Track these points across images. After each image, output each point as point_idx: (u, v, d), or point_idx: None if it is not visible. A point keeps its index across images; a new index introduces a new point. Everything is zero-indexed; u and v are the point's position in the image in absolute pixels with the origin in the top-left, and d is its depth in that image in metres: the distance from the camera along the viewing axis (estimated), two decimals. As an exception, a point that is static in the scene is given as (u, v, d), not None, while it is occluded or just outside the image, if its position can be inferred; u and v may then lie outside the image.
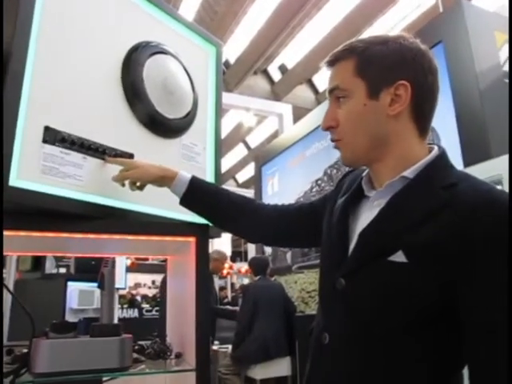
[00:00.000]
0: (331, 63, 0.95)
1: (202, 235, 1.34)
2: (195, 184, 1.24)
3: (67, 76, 1.19)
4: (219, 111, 1.65)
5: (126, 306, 6.78)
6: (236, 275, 11.14)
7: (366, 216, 0.93)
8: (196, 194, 1.24)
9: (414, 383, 0.82)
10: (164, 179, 1.25)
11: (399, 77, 0.88)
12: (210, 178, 1.56)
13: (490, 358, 0.75)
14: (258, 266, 4.56)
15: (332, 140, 0.97)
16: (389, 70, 0.89)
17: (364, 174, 0.99)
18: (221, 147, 1.63)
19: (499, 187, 2.16)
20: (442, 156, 0.91)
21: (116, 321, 3.94)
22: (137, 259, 6.42)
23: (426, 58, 0.90)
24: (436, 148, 0.93)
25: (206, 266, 1.34)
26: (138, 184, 1.27)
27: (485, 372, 0.76)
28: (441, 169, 0.89)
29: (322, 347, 0.91)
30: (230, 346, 4.47)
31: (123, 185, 1.26)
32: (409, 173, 0.88)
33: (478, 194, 0.81)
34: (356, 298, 0.88)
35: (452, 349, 0.82)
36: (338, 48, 0.95)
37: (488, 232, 0.76)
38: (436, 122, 2.89)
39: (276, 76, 10.84)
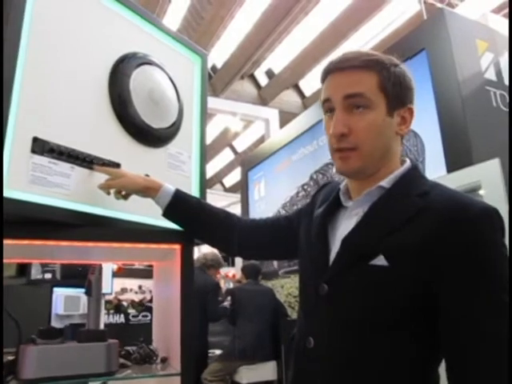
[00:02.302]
0: (351, 68, 0.93)
1: (188, 243, 1.38)
2: (178, 197, 1.28)
3: (55, 87, 1.22)
4: (204, 120, 1.68)
5: (112, 311, 6.72)
6: (223, 280, 11.12)
7: (345, 224, 0.97)
8: (179, 207, 1.28)
9: (399, 379, 0.86)
10: (149, 190, 1.28)
11: (409, 101, 0.96)
12: (195, 185, 1.59)
13: (463, 355, 0.80)
14: (251, 272, 4.59)
15: (339, 149, 0.93)
16: (404, 93, 0.95)
17: (342, 185, 1.04)
18: (206, 156, 1.66)
19: (480, 192, 2.21)
20: (415, 167, 0.98)
21: (102, 326, 3.93)
22: (123, 264, 6.38)
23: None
24: (408, 160, 0.99)
25: (191, 273, 1.37)
26: (123, 193, 1.29)
27: (457, 368, 0.81)
28: (414, 178, 0.95)
29: (307, 351, 0.94)
30: (216, 351, 4.49)
31: (108, 193, 1.28)
32: (385, 182, 0.94)
33: (450, 200, 0.87)
34: (339, 302, 0.92)
35: (433, 345, 0.86)
36: (355, 54, 0.94)
37: (460, 236, 0.81)
38: (420, 129, 2.93)
39: (263, 81, 10.87)
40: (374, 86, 0.91)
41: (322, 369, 0.91)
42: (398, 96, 0.94)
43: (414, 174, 0.96)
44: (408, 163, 0.98)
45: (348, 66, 0.93)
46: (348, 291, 0.91)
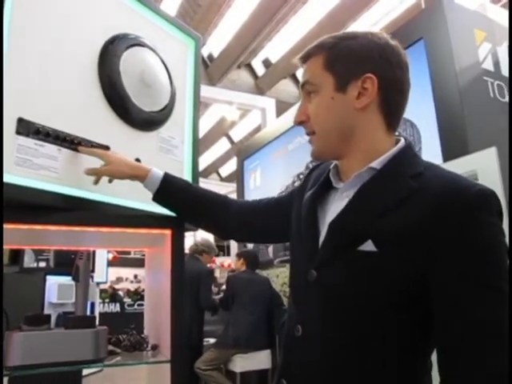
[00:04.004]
0: (304, 59, 0.98)
1: (178, 228, 1.35)
2: (168, 181, 1.25)
3: (42, 67, 1.18)
4: (197, 105, 1.66)
5: (107, 300, 6.74)
6: (219, 269, 11.15)
7: (335, 207, 0.94)
8: (168, 191, 1.25)
9: (388, 367, 0.83)
10: (136, 177, 1.25)
11: (366, 71, 0.90)
12: (187, 170, 1.57)
13: (457, 344, 0.77)
14: (252, 261, 4.60)
15: (307, 134, 0.99)
16: (356, 64, 0.91)
17: (332, 166, 1.01)
18: (198, 140, 1.63)
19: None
20: (408, 147, 0.94)
21: (97, 315, 3.92)
22: (119, 253, 6.37)
23: (394, 53, 0.92)
24: (402, 140, 0.95)
25: (181, 259, 1.35)
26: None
27: (448, 353, 0.79)
28: (407, 159, 0.91)
29: (295, 339, 0.92)
30: (210, 340, 4.49)
31: (96, 181, 1.25)
32: (376, 164, 0.90)
33: (444, 181, 0.83)
34: (328, 289, 0.89)
35: (426, 331, 0.84)
36: (310, 46, 0.97)
37: (455, 220, 0.78)
38: (416, 118, 2.91)
39: (260, 70, 10.83)
40: (318, 69, 0.94)
41: (311, 357, 0.89)
42: (348, 69, 0.91)
43: (407, 154, 0.92)
44: (401, 143, 0.94)
45: (303, 58, 0.98)
46: (337, 278, 0.88)
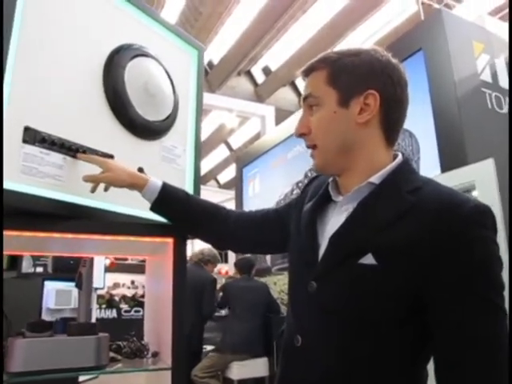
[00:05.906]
0: (306, 73, 0.99)
1: (180, 236, 1.36)
2: (166, 191, 1.25)
3: (48, 77, 1.20)
4: (200, 114, 1.67)
5: (104, 306, 6.70)
6: (216, 276, 11.12)
7: (334, 220, 0.95)
8: (166, 201, 1.25)
9: (388, 377, 0.85)
10: (134, 186, 1.25)
11: (369, 87, 0.92)
12: (189, 179, 1.58)
13: (453, 356, 0.79)
14: (244, 266, 4.60)
15: (307, 147, 1.00)
16: (359, 80, 0.93)
17: (330, 179, 1.02)
18: (201, 150, 1.64)
19: (474, 193, 2.21)
20: (406, 162, 0.96)
21: (94, 321, 3.91)
22: (116, 259, 6.36)
23: (395, 71, 0.94)
24: (400, 155, 0.97)
25: (183, 267, 1.35)
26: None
27: (443, 363, 0.80)
28: (405, 174, 0.93)
29: (295, 350, 0.93)
30: (207, 347, 4.48)
31: (93, 189, 1.25)
32: (375, 178, 0.92)
33: (441, 197, 0.85)
34: (328, 300, 0.90)
35: (423, 341, 0.85)
36: (313, 59, 0.99)
37: (451, 235, 0.80)
38: (415, 128, 2.92)
39: (259, 78, 10.87)
40: (321, 83, 0.95)
41: (310, 367, 0.90)
42: (351, 84, 0.93)
43: (405, 169, 0.94)
44: (399, 158, 0.96)
45: (305, 72, 1.00)
46: (336, 290, 0.89)
